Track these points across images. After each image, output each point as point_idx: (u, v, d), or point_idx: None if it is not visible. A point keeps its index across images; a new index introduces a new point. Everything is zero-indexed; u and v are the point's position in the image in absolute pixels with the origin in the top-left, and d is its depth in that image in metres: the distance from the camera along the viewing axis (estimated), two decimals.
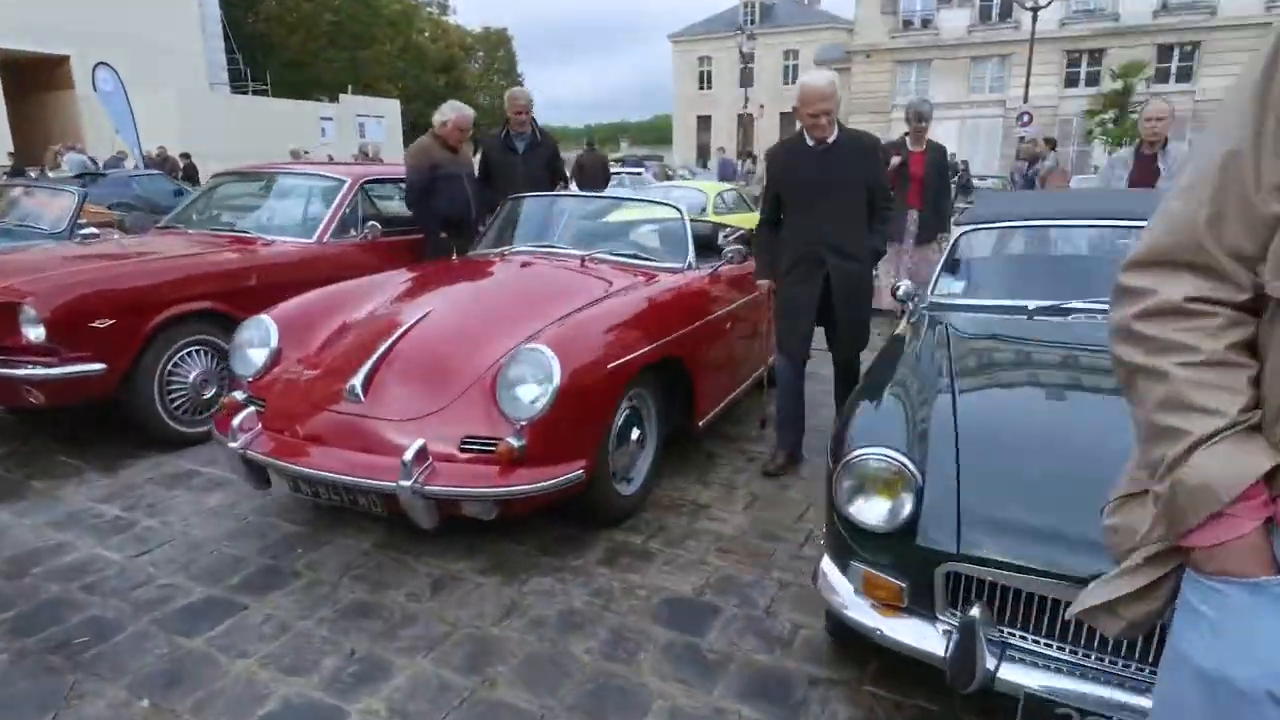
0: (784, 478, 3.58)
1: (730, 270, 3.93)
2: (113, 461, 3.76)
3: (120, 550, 2.93)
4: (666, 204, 4.06)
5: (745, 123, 41.93)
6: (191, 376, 3.91)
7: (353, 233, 4.84)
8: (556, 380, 2.57)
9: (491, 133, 5.56)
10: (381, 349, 2.87)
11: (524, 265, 3.65)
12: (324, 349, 3.08)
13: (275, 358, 3.08)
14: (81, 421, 4.16)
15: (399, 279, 3.61)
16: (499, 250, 3.94)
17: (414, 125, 43.55)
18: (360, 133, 33.79)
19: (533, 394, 2.58)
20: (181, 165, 16.91)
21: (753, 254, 3.82)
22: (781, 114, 45.19)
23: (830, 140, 3.34)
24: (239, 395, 3.04)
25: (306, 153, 17.57)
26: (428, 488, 2.49)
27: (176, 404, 3.87)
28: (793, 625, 2.47)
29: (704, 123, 50.19)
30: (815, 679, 2.21)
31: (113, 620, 2.49)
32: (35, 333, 3.37)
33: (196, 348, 3.94)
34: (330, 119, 31.80)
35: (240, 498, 3.38)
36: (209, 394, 4.02)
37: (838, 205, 3.37)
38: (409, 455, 2.48)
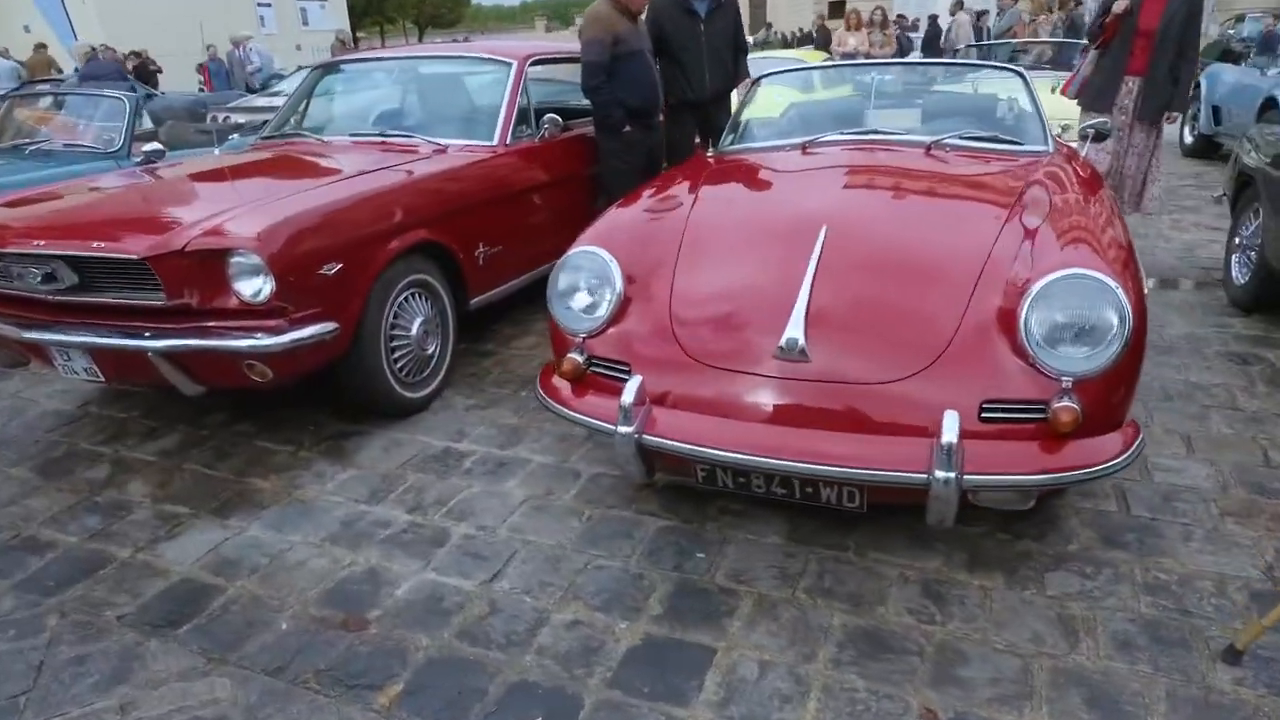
0: None
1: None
2: (331, 443, 3.05)
3: (463, 574, 2.28)
4: (1002, 67, 3.30)
5: None
6: (414, 328, 3.15)
7: (526, 129, 3.98)
8: (1130, 318, 1.92)
9: None
10: (805, 289, 2.17)
11: (870, 164, 2.89)
12: (694, 291, 2.36)
13: (622, 304, 2.37)
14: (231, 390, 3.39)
15: (709, 191, 2.84)
16: (797, 143, 3.17)
17: (352, 9, 40.26)
18: (303, 19, 31.09)
19: (1097, 340, 1.93)
20: (131, 67, 15.00)
21: None
22: None
23: None
24: (578, 357, 2.34)
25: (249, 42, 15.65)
26: (968, 476, 1.87)
27: (401, 364, 3.13)
28: None
29: None
30: None
31: (549, 687, 1.87)
32: (257, 288, 2.57)
33: (413, 291, 3.17)
34: (269, 5, 28.95)
35: (549, 483, 2.72)
36: (431, 349, 3.28)
37: None
38: (949, 436, 1.84)
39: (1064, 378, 1.93)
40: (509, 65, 3.97)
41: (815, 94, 3.59)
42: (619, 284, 2.36)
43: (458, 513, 2.58)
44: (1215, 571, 2.15)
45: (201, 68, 16.57)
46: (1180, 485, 2.54)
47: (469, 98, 4.15)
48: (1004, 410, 1.97)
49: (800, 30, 29.11)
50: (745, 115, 3.57)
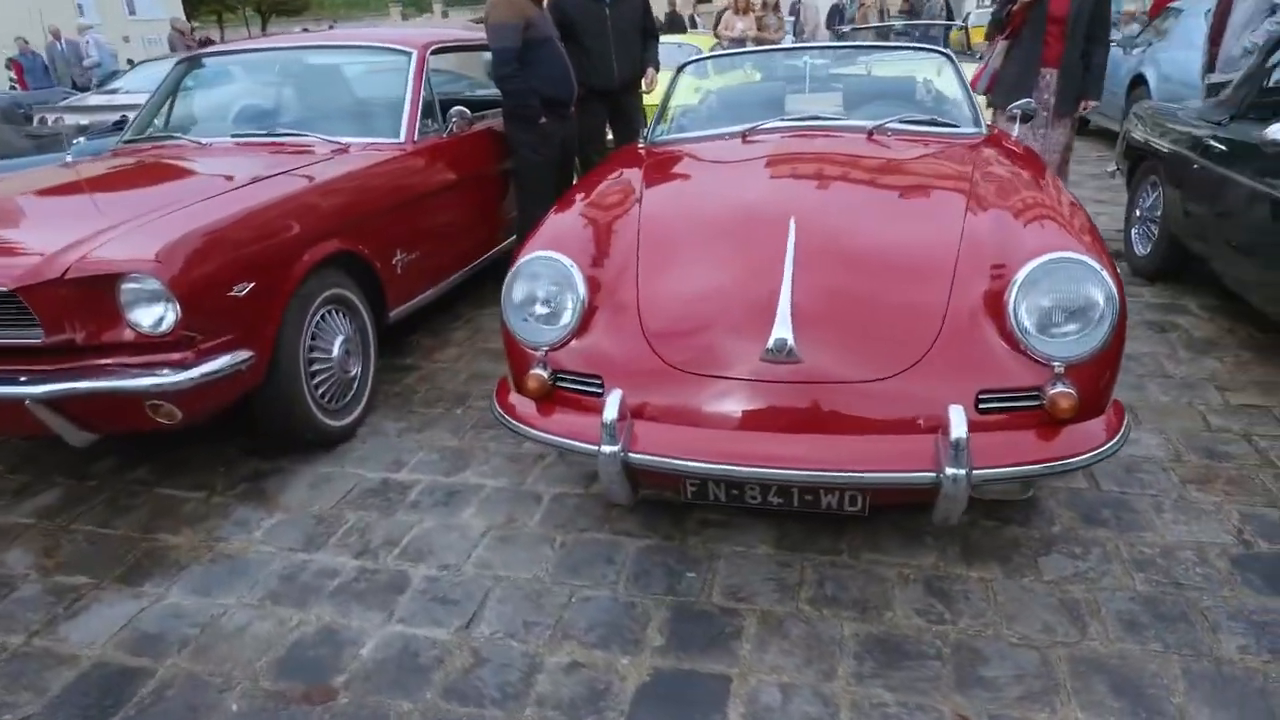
0: None
1: None
2: (249, 485, 2.76)
3: (435, 622, 2.09)
4: (928, 48, 3.35)
5: None
6: (335, 348, 2.89)
7: (432, 124, 3.75)
8: (1116, 298, 1.96)
9: None
10: (786, 285, 2.09)
11: (819, 151, 2.85)
12: (663, 294, 2.25)
13: (588, 312, 2.23)
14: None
15: (656, 185, 2.74)
16: (736, 131, 3.10)
17: None
18: (129, 8, 28.79)
19: (1086, 322, 1.95)
20: None
21: None
22: None
23: None
24: (543, 372, 2.19)
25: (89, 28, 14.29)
26: (977, 471, 1.85)
27: (322, 390, 2.86)
28: None
29: None
30: None
31: None
32: (158, 316, 2.26)
33: (330, 307, 2.91)
34: None
35: (509, 509, 2.55)
36: (353, 370, 3.02)
37: None
38: (959, 431, 1.81)
39: (1055, 362, 1.95)
40: (409, 55, 3.72)
41: (744, 80, 3.56)
42: (583, 291, 2.22)
43: (413, 552, 2.38)
44: (1193, 540, 2.25)
45: (12, 63, 14.97)
46: (1139, 456, 2.66)
47: (366, 91, 3.88)
48: (999, 400, 1.97)
49: (666, 14, 29.16)
50: (674, 103, 3.49)
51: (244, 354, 2.45)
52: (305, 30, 24.51)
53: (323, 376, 2.85)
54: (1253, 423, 2.84)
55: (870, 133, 2.98)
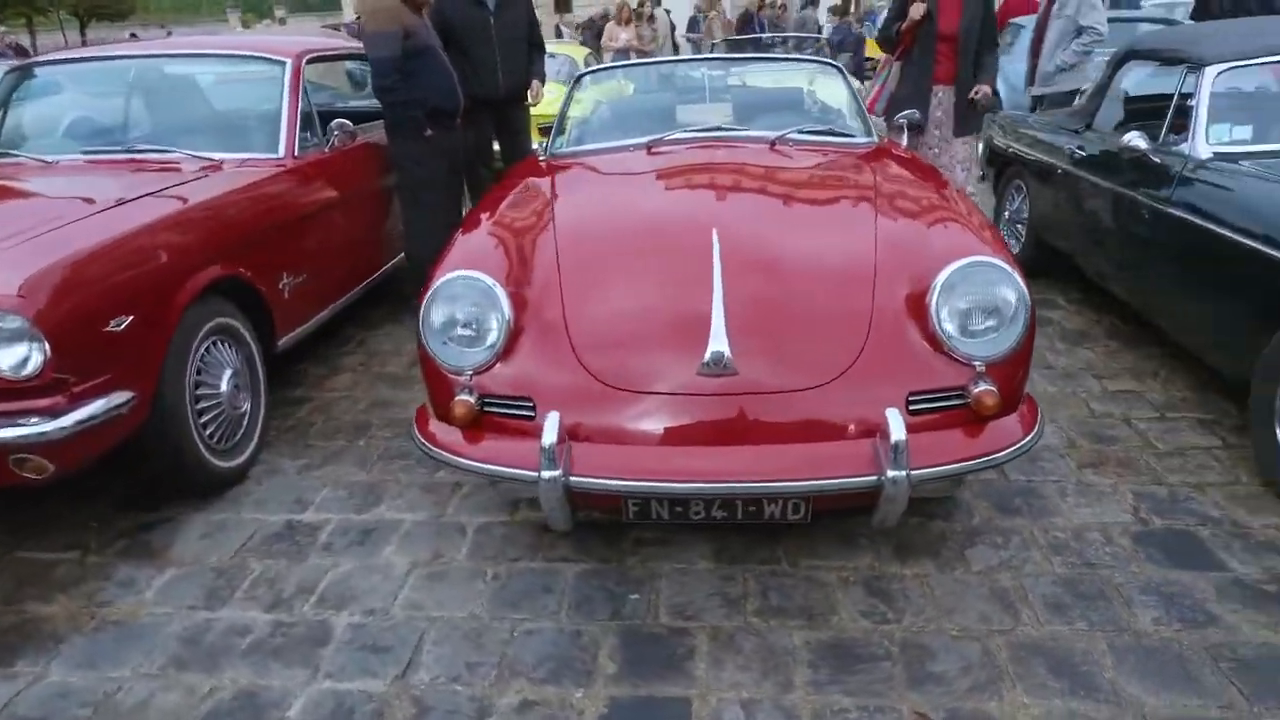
0: None
1: None
2: (129, 540, 2.51)
3: (369, 673, 1.96)
4: (820, 60, 3.48)
5: None
6: (224, 383, 2.68)
7: (311, 138, 3.56)
8: (1027, 298, 2.08)
9: None
10: (718, 298, 2.10)
11: (727, 162, 2.88)
12: (590, 311, 2.21)
13: (513, 333, 2.16)
14: None
15: (565, 199, 2.71)
16: (641, 143, 3.10)
17: None
18: None
19: (1001, 321, 2.07)
20: None
21: None
22: None
23: None
24: (469, 398, 2.11)
25: None
26: (915, 472, 1.92)
27: (210, 429, 2.64)
28: None
29: None
30: None
31: None
32: (22, 357, 2.01)
33: (215, 339, 2.69)
34: None
35: (434, 544, 2.44)
36: (243, 406, 2.81)
37: None
38: (898, 434, 1.87)
39: (976, 362, 2.05)
40: (283, 64, 3.51)
41: (642, 90, 3.60)
42: (508, 310, 2.15)
43: (333, 599, 2.22)
44: (1097, 522, 2.42)
45: None
46: (1039, 445, 2.82)
47: (236, 103, 3.63)
48: (929, 401, 2.05)
49: None
50: (573, 114, 3.46)
51: (124, 395, 2.23)
52: (133, 36, 22.82)
53: (211, 414, 2.64)
54: (1130, 407, 3.10)
55: (773, 143, 3.05)
